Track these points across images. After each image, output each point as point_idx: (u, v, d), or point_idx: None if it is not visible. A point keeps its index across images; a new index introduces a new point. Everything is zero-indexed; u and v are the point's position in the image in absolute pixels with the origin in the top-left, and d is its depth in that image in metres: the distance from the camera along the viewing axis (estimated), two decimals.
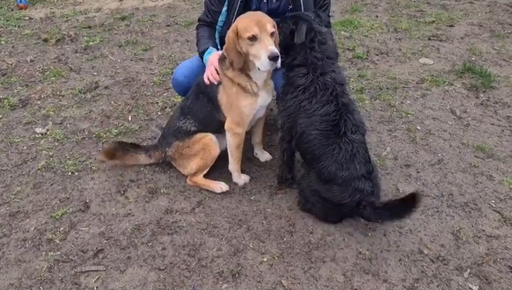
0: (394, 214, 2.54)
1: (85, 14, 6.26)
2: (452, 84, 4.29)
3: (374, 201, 2.59)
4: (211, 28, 3.19)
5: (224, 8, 3.06)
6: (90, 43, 5.26)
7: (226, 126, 2.93)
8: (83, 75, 4.55)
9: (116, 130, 3.64)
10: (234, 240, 2.67)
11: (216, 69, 2.86)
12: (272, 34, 2.62)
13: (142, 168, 3.24)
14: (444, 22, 5.64)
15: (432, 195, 2.99)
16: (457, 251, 2.59)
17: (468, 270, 2.47)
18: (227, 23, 3.06)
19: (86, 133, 3.64)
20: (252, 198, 3.00)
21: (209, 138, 2.99)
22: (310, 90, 2.65)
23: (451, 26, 5.56)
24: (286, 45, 2.81)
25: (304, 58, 2.70)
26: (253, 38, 2.60)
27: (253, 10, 3.08)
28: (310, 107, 2.64)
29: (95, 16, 6.16)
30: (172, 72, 4.52)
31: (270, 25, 2.62)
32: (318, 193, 2.66)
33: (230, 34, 2.69)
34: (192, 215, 2.86)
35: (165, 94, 4.21)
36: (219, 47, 3.14)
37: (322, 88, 2.64)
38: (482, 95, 4.11)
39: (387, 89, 4.23)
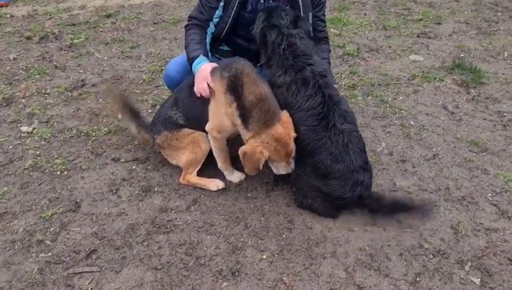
0: (393, 206, 2.57)
1: (69, 11, 6.10)
2: (443, 81, 4.31)
3: (372, 193, 2.64)
4: (202, 29, 3.07)
5: (221, 4, 2.98)
6: (75, 40, 5.12)
7: (206, 127, 2.86)
8: (68, 73, 4.43)
9: (105, 129, 3.54)
10: (232, 238, 2.61)
11: (208, 85, 2.75)
12: None
13: (134, 167, 3.15)
14: (432, 20, 5.69)
15: (429, 189, 2.98)
16: (457, 244, 2.58)
17: (469, 263, 2.46)
18: (224, 19, 3.00)
19: (74, 131, 3.52)
20: (249, 195, 2.94)
21: (199, 132, 2.93)
22: (292, 89, 2.63)
23: (439, 23, 5.61)
24: (259, 42, 2.84)
25: (276, 61, 2.72)
26: None
27: (250, 10, 3.02)
28: (295, 103, 2.62)
29: (79, 14, 6.01)
30: (163, 69, 4.46)
31: (294, 149, 2.64)
32: (318, 188, 2.63)
33: (257, 155, 2.59)
34: (188, 213, 2.79)
35: (154, 92, 4.12)
36: (209, 54, 3.06)
37: (303, 83, 2.62)
38: (472, 91, 4.14)
39: (379, 85, 4.23)
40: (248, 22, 3.04)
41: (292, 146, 2.61)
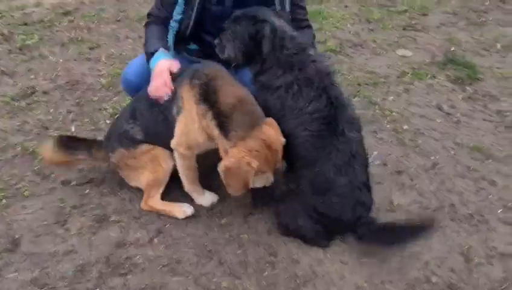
0: (395, 237, 2.18)
1: (22, 9, 5.50)
2: (435, 77, 3.92)
3: (374, 220, 2.26)
4: (163, 25, 2.66)
5: None
6: (27, 42, 4.56)
7: (172, 144, 2.41)
8: (17, 79, 3.89)
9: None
10: (203, 278, 2.18)
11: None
12: None
13: (87, 191, 2.67)
14: (417, 11, 5.31)
15: (431, 207, 2.59)
16: (470, 276, 2.20)
17: None
18: (188, 13, 2.55)
19: (19, 149, 3.01)
20: (223, 222, 2.50)
21: (160, 148, 2.50)
22: (294, 89, 2.23)
23: (425, 15, 5.23)
24: (247, 50, 2.39)
25: (276, 59, 2.31)
26: None
27: (216, 2, 2.57)
28: (296, 105, 2.23)
29: (34, 12, 5.43)
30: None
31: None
32: (313, 207, 2.22)
33: (245, 167, 2.11)
34: (150, 247, 2.34)
35: (115, 98, 3.63)
36: (172, 50, 2.64)
37: (307, 84, 2.23)
38: (468, 88, 3.77)
39: (367, 84, 3.82)
40: (215, 16, 2.60)
41: (281, 153, 2.22)
